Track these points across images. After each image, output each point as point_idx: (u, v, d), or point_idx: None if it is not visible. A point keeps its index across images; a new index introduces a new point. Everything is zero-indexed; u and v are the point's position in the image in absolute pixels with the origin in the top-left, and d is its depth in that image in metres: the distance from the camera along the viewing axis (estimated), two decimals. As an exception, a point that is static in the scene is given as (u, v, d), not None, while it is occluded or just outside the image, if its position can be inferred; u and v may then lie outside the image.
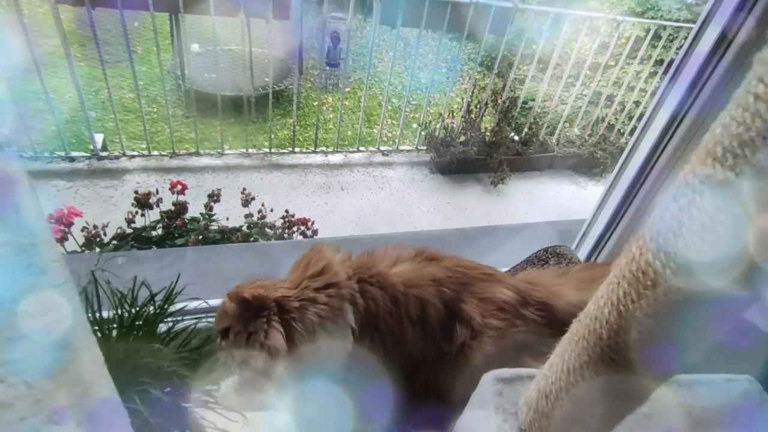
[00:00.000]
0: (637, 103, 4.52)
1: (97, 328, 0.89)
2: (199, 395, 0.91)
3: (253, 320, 0.98)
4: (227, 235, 2.09)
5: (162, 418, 0.79)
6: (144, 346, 0.87)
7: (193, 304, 1.21)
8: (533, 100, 4.37)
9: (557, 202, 4.09)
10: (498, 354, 1.07)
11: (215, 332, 1.01)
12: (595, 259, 1.58)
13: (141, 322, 0.91)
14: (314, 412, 1.07)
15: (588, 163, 4.48)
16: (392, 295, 1.04)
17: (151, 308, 0.95)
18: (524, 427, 0.77)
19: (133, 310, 0.91)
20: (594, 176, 4.49)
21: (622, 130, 4.57)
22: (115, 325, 0.89)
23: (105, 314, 0.94)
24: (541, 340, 1.14)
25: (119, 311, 0.90)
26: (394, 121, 4.58)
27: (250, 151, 3.78)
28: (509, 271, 1.43)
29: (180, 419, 0.85)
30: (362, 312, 1.02)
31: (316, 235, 2.17)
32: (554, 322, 1.16)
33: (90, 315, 0.92)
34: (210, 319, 1.18)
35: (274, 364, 0.98)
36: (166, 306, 0.94)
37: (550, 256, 1.42)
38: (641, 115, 4.48)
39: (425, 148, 4.15)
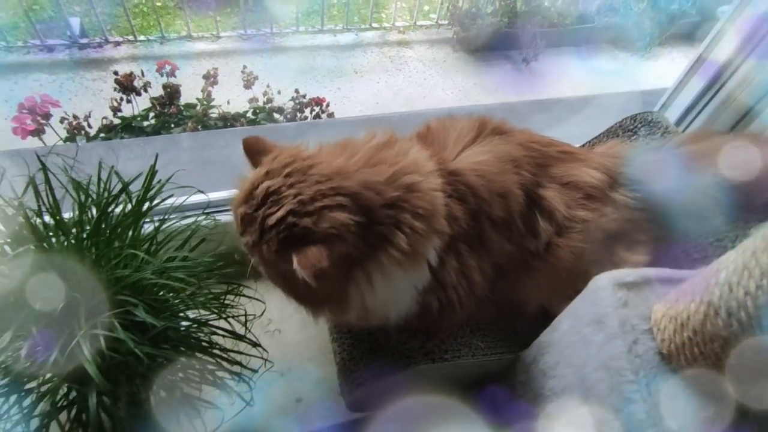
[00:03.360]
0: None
1: (52, 233, 0.65)
2: (204, 315, 0.69)
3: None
4: (230, 123, 1.80)
5: (152, 348, 0.57)
6: (119, 252, 0.63)
7: (193, 199, 0.97)
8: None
9: (595, 81, 3.64)
10: (588, 251, 0.82)
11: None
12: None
13: (113, 222, 0.66)
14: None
15: (631, 35, 3.92)
16: (474, 204, 0.77)
17: (129, 205, 0.70)
18: (668, 351, 0.54)
19: (103, 202, 0.65)
20: (637, 51, 3.95)
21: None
22: (76, 230, 0.64)
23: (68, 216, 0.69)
24: (636, 227, 0.90)
25: (82, 209, 0.65)
26: (404, 4, 3.94)
27: (249, 32, 3.32)
28: (584, 146, 1.14)
29: (179, 348, 0.63)
30: (446, 240, 0.74)
31: (332, 117, 1.86)
32: (651, 205, 0.91)
33: (48, 216, 0.67)
34: (218, 216, 0.94)
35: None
36: (147, 198, 0.69)
37: (639, 125, 1.11)
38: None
39: (447, 22, 3.61)
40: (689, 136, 1.04)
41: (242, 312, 0.81)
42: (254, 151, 0.73)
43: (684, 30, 3.83)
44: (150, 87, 1.84)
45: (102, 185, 0.71)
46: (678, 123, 1.29)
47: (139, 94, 1.80)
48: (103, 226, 0.67)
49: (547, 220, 0.82)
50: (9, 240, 0.66)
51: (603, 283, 0.60)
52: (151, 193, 0.71)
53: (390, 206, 0.67)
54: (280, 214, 0.63)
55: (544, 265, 0.82)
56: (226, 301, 0.78)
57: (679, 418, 0.51)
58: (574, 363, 0.64)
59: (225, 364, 0.73)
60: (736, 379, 0.50)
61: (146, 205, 0.71)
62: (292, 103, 1.91)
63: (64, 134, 1.77)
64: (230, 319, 0.77)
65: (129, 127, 1.80)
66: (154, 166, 0.69)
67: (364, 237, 0.65)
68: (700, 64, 1.24)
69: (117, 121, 1.81)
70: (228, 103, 1.91)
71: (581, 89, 3.49)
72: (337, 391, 0.92)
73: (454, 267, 0.75)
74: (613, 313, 0.57)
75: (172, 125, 1.81)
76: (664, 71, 3.72)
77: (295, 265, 0.61)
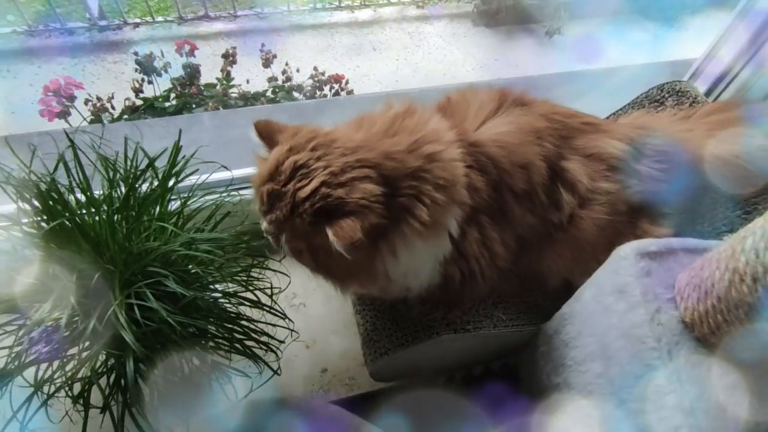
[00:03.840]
0: None
1: (83, 211, 0.67)
2: (231, 287, 0.71)
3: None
4: (250, 102, 1.81)
5: (185, 316, 0.59)
6: (148, 226, 0.65)
7: (218, 176, 0.99)
8: None
9: (622, 53, 3.51)
10: (612, 223, 0.82)
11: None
12: (712, 103, 1.24)
13: (141, 198, 0.68)
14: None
15: (660, 3, 3.76)
16: (495, 176, 0.77)
17: (156, 182, 0.72)
18: (690, 319, 0.54)
19: (131, 178, 0.67)
20: (667, 21, 3.78)
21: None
22: (106, 204, 0.66)
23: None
24: (661, 199, 0.89)
25: (111, 185, 0.67)
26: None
27: (266, 10, 3.30)
28: (608, 118, 1.12)
29: (209, 318, 0.66)
30: (467, 211, 0.74)
31: (351, 94, 1.86)
32: (677, 177, 0.89)
33: (80, 194, 0.69)
34: (242, 192, 0.96)
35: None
36: (172, 173, 0.71)
37: (666, 95, 1.08)
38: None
39: (467, -6, 3.53)
40: (718, 105, 1.01)
41: (268, 285, 0.83)
42: (267, 133, 0.73)
43: (718, -3, 3.65)
44: (170, 67, 1.86)
45: (129, 162, 0.73)
46: (708, 93, 1.25)
47: (159, 74, 1.83)
48: (132, 201, 0.69)
49: (569, 192, 0.81)
50: (43, 216, 0.69)
51: (625, 253, 0.60)
52: (177, 168, 0.73)
53: (411, 176, 0.67)
54: (312, 185, 0.64)
55: (567, 238, 0.82)
56: (252, 274, 0.80)
57: (699, 385, 0.51)
58: (596, 332, 0.64)
59: (253, 334, 0.76)
60: (758, 347, 0.50)
61: (172, 180, 0.73)
62: (311, 81, 1.91)
63: (88, 116, 1.81)
64: (257, 292, 0.79)
65: (151, 108, 1.83)
66: (178, 141, 0.71)
67: (388, 208, 0.66)
68: (733, 29, 1.19)
69: (139, 102, 1.84)
70: (247, 82, 1.92)
71: (607, 63, 3.38)
72: (360, 362, 0.94)
73: (476, 238, 0.75)
74: (636, 282, 0.57)
75: (194, 105, 1.83)
76: (696, 42, 3.57)
77: (331, 237, 0.61)
